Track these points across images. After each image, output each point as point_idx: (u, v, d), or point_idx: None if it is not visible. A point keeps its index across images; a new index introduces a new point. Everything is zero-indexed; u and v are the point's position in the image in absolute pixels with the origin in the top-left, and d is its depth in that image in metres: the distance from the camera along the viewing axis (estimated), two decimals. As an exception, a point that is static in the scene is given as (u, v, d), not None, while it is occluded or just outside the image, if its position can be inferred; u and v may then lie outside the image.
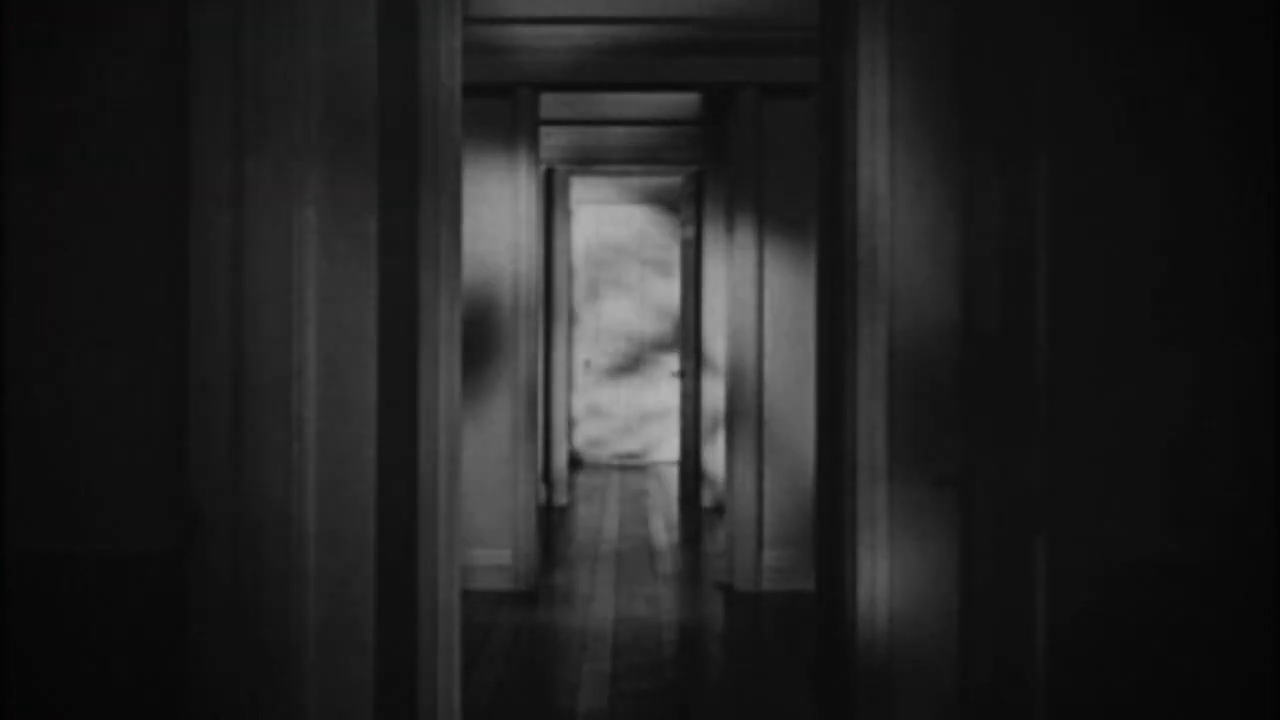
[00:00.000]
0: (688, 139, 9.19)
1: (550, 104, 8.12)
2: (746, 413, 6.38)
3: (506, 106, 6.41)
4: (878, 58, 2.81)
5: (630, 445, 12.05)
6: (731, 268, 6.44)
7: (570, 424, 10.34)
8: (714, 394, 9.33)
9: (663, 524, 8.71)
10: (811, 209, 6.28)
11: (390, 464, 2.80)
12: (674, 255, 11.77)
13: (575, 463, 11.71)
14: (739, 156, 6.39)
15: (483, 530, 6.44)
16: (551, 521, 8.74)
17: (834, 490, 3.08)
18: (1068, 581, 2.56)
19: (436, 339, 2.91)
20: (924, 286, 2.80)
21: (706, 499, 9.36)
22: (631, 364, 12.00)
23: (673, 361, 11.30)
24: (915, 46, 2.81)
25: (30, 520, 2.37)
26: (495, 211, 6.41)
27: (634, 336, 12.00)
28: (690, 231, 9.36)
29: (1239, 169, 2.54)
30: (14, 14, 2.36)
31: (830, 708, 3.11)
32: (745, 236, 6.36)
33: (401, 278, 2.85)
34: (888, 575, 2.81)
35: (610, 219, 11.97)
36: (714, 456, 9.37)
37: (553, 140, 9.11)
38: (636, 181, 11.44)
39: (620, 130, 9.12)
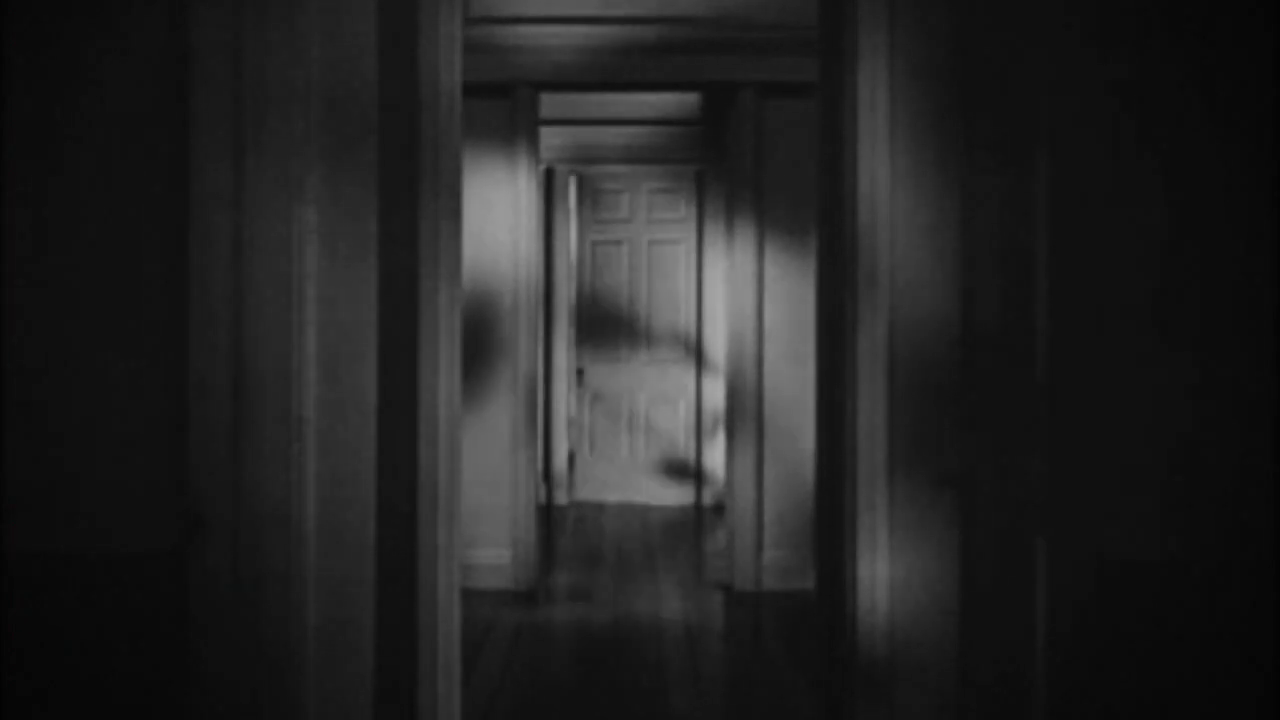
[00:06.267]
0: (687, 139, 9.19)
1: (550, 104, 8.12)
2: (746, 413, 6.38)
3: (506, 106, 6.41)
4: (878, 57, 2.81)
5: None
6: (731, 268, 6.45)
7: (570, 423, 10.34)
8: (714, 394, 9.34)
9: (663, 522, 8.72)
10: (811, 209, 6.29)
11: (390, 464, 2.80)
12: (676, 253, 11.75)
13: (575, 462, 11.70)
14: (739, 156, 6.39)
15: (483, 530, 6.44)
16: (551, 521, 8.74)
17: (834, 490, 3.08)
18: (1068, 581, 2.56)
19: (436, 339, 2.91)
20: (924, 286, 2.80)
21: (706, 499, 9.36)
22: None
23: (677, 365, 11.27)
24: (915, 46, 2.81)
25: (30, 520, 2.37)
26: (495, 211, 6.41)
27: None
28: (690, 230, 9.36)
29: (1239, 168, 2.54)
30: (14, 14, 2.36)
31: (830, 708, 3.11)
32: (745, 236, 6.36)
33: (401, 278, 2.85)
34: (888, 575, 2.81)
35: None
36: (714, 456, 9.37)
37: (552, 140, 9.11)
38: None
39: (620, 130, 9.12)
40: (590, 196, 9.76)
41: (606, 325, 9.78)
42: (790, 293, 6.36)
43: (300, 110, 2.39)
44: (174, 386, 2.39)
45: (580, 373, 9.79)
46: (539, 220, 7.48)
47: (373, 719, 2.52)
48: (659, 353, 9.67)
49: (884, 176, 2.81)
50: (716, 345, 9.39)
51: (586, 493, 9.76)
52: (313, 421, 2.44)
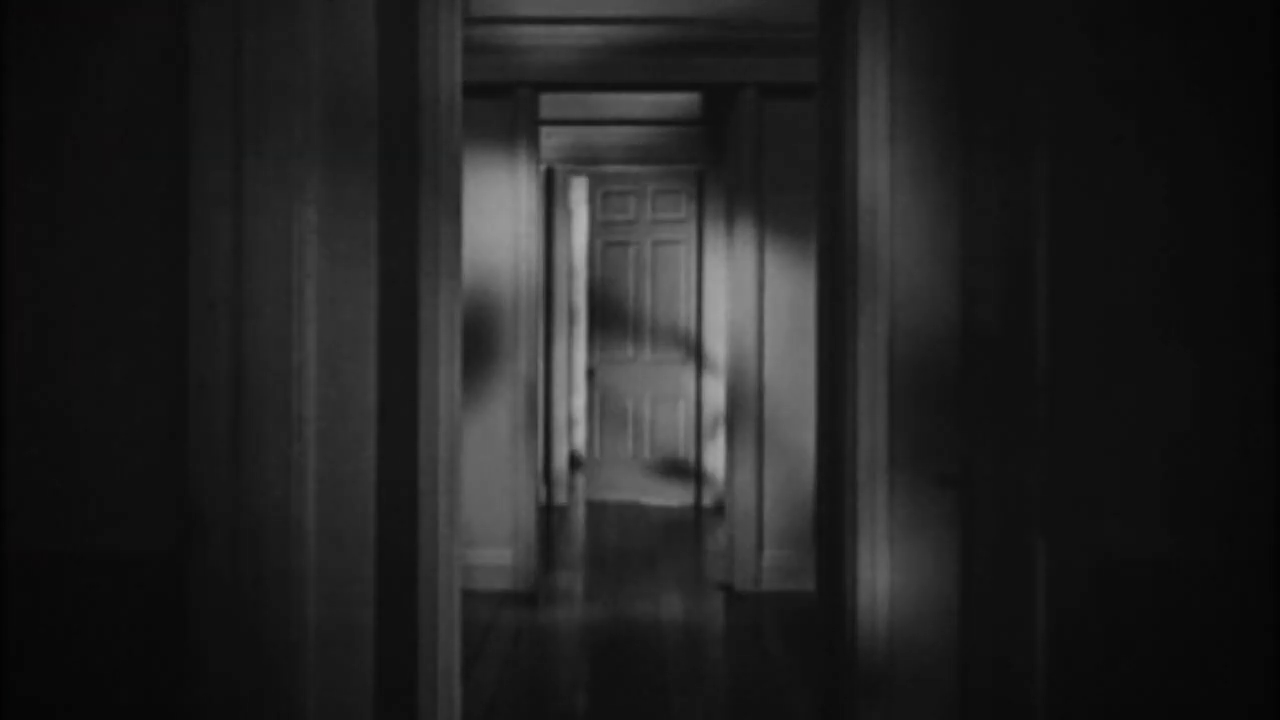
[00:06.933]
0: (688, 139, 9.19)
1: (550, 104, 8.12)
2: (746, 413, 6.38)
3: (506, 106, 6.41)
4: (878, 57, 2.81)
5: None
6: (731, 268, 6.44)
7: (570, 424, 10.35)
8: (714, 394, 9.33)
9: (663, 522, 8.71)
10: (811, 209, 6.28)
11: (390, 464, 2.80)
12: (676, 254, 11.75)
13: (575, 463, 11.71)
14: (739, 156, 6.39)
15: (483, 530, 6.44)
16: (551, 521, 8.74)
17: (834, 490, 3.08)
18: (1067, 581, 2.56)
19: (436, 339, 2.91)
20: (924, 286, 2.80)
21: (706, 499, 9.36)
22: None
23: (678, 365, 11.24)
24: (915, 46, 2.81)
25: (30, 520, 2.37)
26: (495, 211, 6.41)
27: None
28: (690, 231, 9.36)
29: (1239, 167, 2.54)
30: (14, 14, 2.36)
31: (830, 708, 3.11)
32: (745, 236, 6.36)
33: (401, 278, 2.85)
34: (888, 575, 2.81)
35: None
36: (714, 456, 9.37)
37: (553, 140, 9.11)
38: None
39: (621, 130, 9.12)
40: (600, 198, 9.78)
41: (614, 326, 9.80)
42: (790, 293, 6.36)
43: (300, 110, 2.39)
44: (174, 386, 2.39)
45: (591, 373, 9.82)
46: (539, 220, 7.48)
47: (373, 719, 2.52)
48: (662, 353, 9.67)
49: (884, 176, 2.81)
50: (717, 345, 9.38)
51: (600, 493, 9.78)
52: (313, 421, 2.44)
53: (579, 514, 9.30)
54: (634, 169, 9.52)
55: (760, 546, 6.41)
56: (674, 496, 9.57)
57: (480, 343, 6.40)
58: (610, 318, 9.81)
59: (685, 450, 9.52)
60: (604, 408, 9.89)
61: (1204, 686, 2.54)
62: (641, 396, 9.73)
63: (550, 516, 8.92)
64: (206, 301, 2.37)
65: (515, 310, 6.40)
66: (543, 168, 9.30)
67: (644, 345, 9.71)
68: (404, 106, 2.84)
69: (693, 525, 8.60)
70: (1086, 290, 2.56)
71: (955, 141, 2.80)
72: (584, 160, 9.36)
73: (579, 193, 11.48)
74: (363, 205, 2.47)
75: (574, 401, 11.49)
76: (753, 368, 6.36)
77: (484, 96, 6.34)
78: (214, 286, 2.37)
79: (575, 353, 10.48)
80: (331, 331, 2.46)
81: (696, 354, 9.30)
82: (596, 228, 9.80)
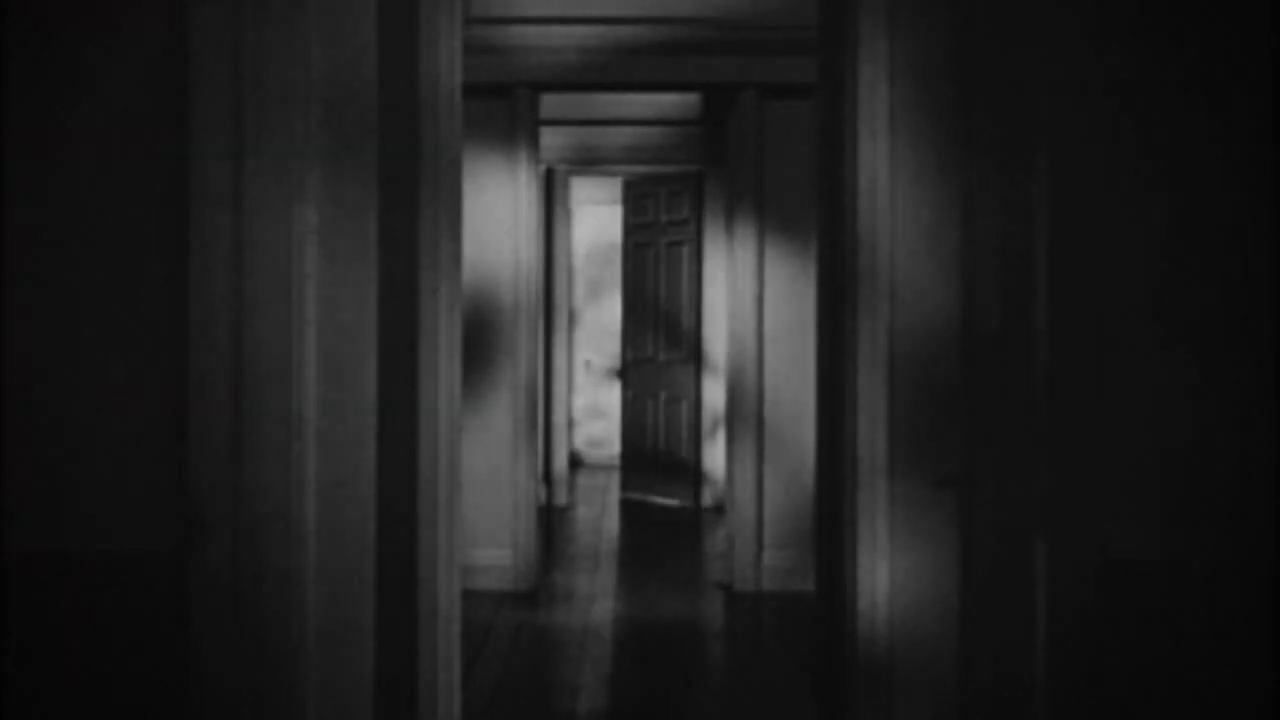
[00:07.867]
0: (688, 139, 9.19)
1: (550, 104, 8.12)
2: (746, 413, 6.38)
3: (506, 106, 6.41)
4: (878, 57, 2.81)
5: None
6: (731, 268, 6.45)
7: (570, 424, 10.35)
8: (714, 394, 9.34)
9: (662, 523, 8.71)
10: (811, 209, 6.28)
11: (390, 464, 2.80)
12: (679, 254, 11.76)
13: (575, 463, 11.71)
14: (739, 156, 6.39)
15: (483, 530, 6.44)
16: (551, 521, 8.74)
17: (834, 490, 3.08)
18: (1067, 582, 2.56)
19: (436, 339, 2.91)
20: (924, 286, 2.80)
21: (706, 499, 9.36)
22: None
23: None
24: (915, 46, 2.81)
25: (30, 520, 2.37)
26: (495, 211, 6.41)
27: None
28: (689, 231, 9.36)
29: (1239, 168, 2.54)
30: (14, 14, 2.36)
31: (830, 708, 3.11)
32: (745, 236, 6.36)
33: (401, 278, 2.85)
34: (888, 575, 2.81)
35: (611, 218, 11.97)
36: (714, 456, 9.37)
37: (553, 140, 9.11)
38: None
39: (620, 130, 9.12)
40: (632, 200, 9.81)
41: (641, 326, 9.85)
42: (790, 293, 6.36)
43: (300, 110, 2.39)
44: (174, 386, 2.39)
45: (624, 373, 9.87)
46: (539, 221, 7.49)
47: (372, 719, 2.52)
48: (671, 353, 9.70)
49: (884, 177, 2.81)
50: (717, 345, 9.39)
51: (629, 493, 9.84)
52: (313, 421, 2.44)
53: (583, 514, 9.29)
54: (635, 169, 9.52)
55: (760, 546, 6.41)
56: (678, 496, 9.58)
57: (480, 343, 6.40)
58: (638, 318, 9.85)
59: (688, 450, 9.53)
60: (633, 407, 9.93)
61: (1204, 687, 2.54)
62: (658, 396, 9.76)
63: (550, 516, 8.92)
64: (206, 301, 2.37)
65: (515, 310, 6.40)
66: (542, 168, 9.30)
67: (659, 345, 9.75)
68: (404, 107, 2.84)
69: (693, 525, 8.61)
70: (1086, 291, 2.56)
71: (955, 141, 2.80)
72: (584, 160, 9.36)
73: (579, 192, 11.49)
74: (363, 205, 2.47)
75: (574, 401, 11.49)
76: (753, 368, 6.36)
77: (484, 96, 6.34)
78: (214, 286, 2.37)
79: (575, 353, 10.49)
80: (331, 331, 2.47)
81: (696, 354, 9.30)
82: (630, 229, 9.83)
